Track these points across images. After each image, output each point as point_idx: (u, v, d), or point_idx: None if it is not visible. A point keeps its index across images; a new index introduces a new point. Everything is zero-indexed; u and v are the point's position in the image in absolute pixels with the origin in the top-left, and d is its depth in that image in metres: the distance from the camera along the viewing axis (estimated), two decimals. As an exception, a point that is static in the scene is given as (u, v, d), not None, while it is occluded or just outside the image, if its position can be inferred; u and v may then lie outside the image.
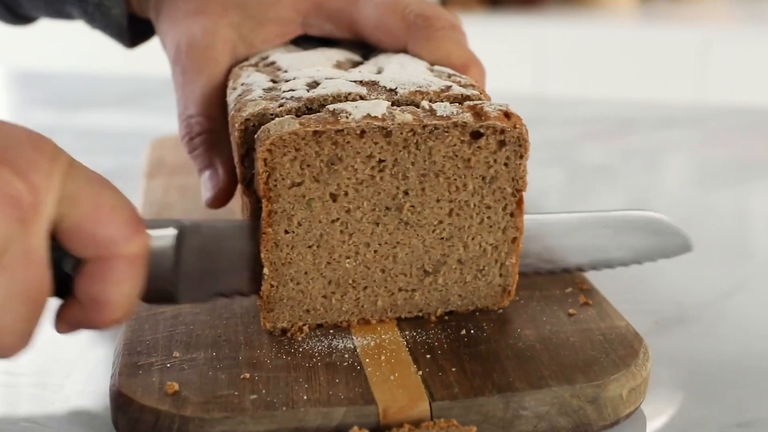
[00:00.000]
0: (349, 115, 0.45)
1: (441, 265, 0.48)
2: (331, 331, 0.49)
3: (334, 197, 0.46)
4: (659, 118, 1.13)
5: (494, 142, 0.46)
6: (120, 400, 0.43)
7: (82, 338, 0.55)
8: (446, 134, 0.46)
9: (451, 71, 0.53)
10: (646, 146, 1.02)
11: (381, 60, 0.56)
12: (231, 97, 0.52)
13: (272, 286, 0.47)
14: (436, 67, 0.54)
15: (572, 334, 0.48)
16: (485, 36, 2.38)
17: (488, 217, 0.48)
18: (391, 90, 0.49)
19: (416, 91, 0.49)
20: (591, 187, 0.87)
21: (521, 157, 0.47)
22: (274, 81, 0.52)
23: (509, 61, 2.30)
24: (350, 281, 0.48)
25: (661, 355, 0.52)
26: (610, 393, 0.44)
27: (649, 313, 0.58)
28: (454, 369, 0.45)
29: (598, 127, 1.10)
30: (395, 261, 0.48)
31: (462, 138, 0.46)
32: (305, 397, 0.43)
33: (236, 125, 0.48)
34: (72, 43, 2.73)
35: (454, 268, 0.49)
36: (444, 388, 0.43)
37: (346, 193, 0.46)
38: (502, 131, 0.46)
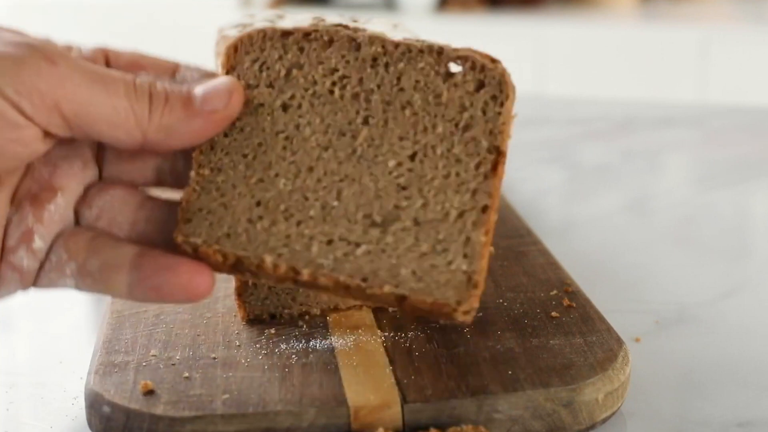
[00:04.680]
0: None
1: (393, 219, 0.40)
2: (311, 331, 0.49)
3: (285, 107, 0.42)
4: (659, 118, 1.13)
5: (472, 80, 0.41)
6: (92, 399, 0.43)
7: (82, 338, 0.55)
8: (419, 58, 0.41)
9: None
10: (646, 146, 1.02)
11: None
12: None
13: (195, 191, 0.41)
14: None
15: (553, 337, 0.48)
16: (485, 36, 2.40)
17: (457, 173, 0.40)
18: None
19: None
20: (591, 187, 0.87)
21: (501, 104, 0.41)
22: None
23: (509, 61, 2.30)
24: (282, 209, 0.40)
25: (661, 355, 0.52)
26: (585, 397, 0.44)
27: (649, 313, 0.58)
28: (429, 371, 0.45)
29: (598, 127, 1.10)
30: (339, 198, 0.40)
31: (436, 68, 0.41)
32: (277, 398, 0.43)
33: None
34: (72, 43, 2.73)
35: (408, 229, 0.40)
36: (417, 390, 0.43)
37: (300, 106, 0.41)
38: (482, 69, 0.41)
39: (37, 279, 0.40)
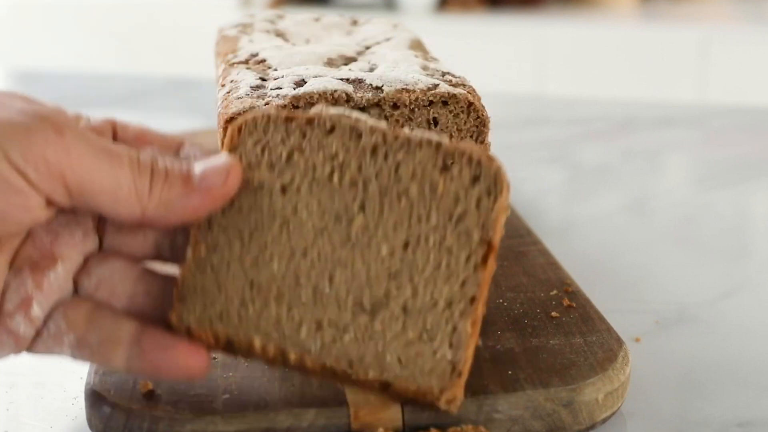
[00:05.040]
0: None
1: (382, 306, 0.41)
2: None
3: (283, 189, 0.43)
4: (659, 118, 1.13)
5: (468, 174, 0.42)
6: (93, 399, 0.43)
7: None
8: (418, 150, 0.42)
9: (446, 70, 0.53)
10: (646, 146, 1.02)
11: (376, 57, 0.56)
12: (219, 94, 0.52)
13: (190, 269, 0.42)
14: (431, 66, 0.54)
15: (553, 338, 0.48)
16: (485, 36, 2.40)
17: (447, 264, 0.41)
18: (377, 88, 0.50)
19: (402, 89, 0.49)
20: (591, 187, 0.87)
21: (495, 199, 0.41)
22: (263, 79, 0.52)
23: (509, 61, 2.30)
24: (274, 291, 0.41)
25: (661, 355, 0.52)
26: (585, 397, 0.44)
27: (649, 313, 0.58)
28: None
29: (598, 127, 1.10)
30: (331, 283, 0.41)
31: (434, 160, 0.42)
32: (277, 398, 0.43)
33: (222, 123, 0.48)
34: (72, 43, 2.73)
35: (397, 316, 0.40)
36: None
37: (298, 189, 0.43)
38: (479, 164, 0.42)
39: (33, 345, 0.41)
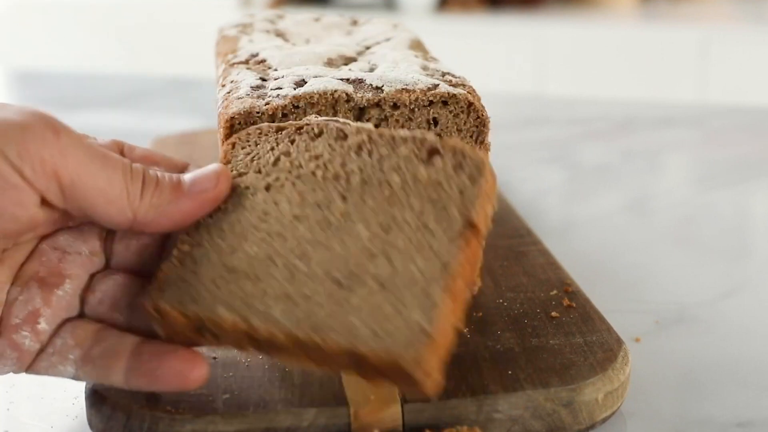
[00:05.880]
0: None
1: (359, 282, 0.39)
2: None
3: (268, 187, 0.43)
4: (659, 118, 1.13)
5: (452, 163, 0.42)
6: (93, 399, 0.43)
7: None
8: (403, 145, 0.43)
9: (446, 70, 0.53)
10: (646, 146, 1.02)
11: (376, 57, 0.56)
12: (219, 94, 0.52)
13: (173, 264, 0.42)
14: (431, 66, 0.54)
15: (552, 337, 0.48)
16: (485, 36, 2.39)
17: (429, 244, 0.40)
18: (377, 88, 0.50)
19: (402, 89, 0.49)
20: (591, 187, 0.87)
21: (480, 185, 0.41)
22: (263, 79, 0.52)
23: (509, 61, 2.30)
24: (248, 271, 0.41)
25: (661, 355, 0.52)
26: (585, 397, 0.44)
27: (649, 313, 0.58)
28: None
29: (598, 127, 1.10)
30: (308, 262, 0.40)
31: (416, 152, 0.42)
32: (277, 398, 0.43)
33: (222, 123, 0.49)
34: (72, 43, 2.73)
35: (373, 291, 0.39)
36: None
37: (282, 185, 0.43)
38: (463, 153, 0.42)
39: (36, 361, 0.42)
